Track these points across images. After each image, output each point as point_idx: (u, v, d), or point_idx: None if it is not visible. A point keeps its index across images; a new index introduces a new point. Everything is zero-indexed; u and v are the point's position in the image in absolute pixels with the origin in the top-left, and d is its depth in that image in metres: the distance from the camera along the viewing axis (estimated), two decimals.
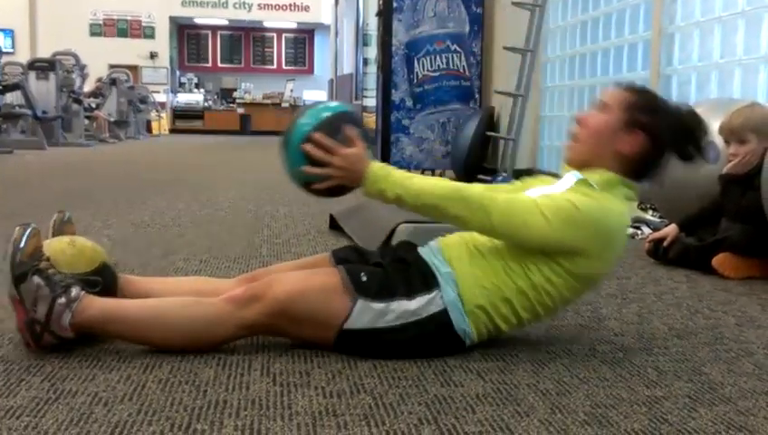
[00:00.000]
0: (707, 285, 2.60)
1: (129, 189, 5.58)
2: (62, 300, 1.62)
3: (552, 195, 1.73)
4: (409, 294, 1.67)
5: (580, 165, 1.80)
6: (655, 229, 3.54)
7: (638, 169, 1.78)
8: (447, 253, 1.75)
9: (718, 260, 2.75)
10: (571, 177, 1.77)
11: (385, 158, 6.74)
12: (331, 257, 1.86)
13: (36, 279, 1.62)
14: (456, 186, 1.71)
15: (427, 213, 1.71)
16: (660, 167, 1.82)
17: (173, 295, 1.81)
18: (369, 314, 1.66)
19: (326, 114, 1.74)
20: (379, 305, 1.66)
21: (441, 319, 1.67)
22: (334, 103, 1.84)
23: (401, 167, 6.58)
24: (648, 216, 3.89)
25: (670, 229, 3.03)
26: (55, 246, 1.77)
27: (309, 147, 1.68)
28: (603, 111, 1.79)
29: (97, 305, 1.66)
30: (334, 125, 1.71)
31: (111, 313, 1.67)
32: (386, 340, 1.66)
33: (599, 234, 1.69)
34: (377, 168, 1.69)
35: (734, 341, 1.91)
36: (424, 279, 1.70)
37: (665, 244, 2.98)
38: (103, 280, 1.75)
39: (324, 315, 1.67)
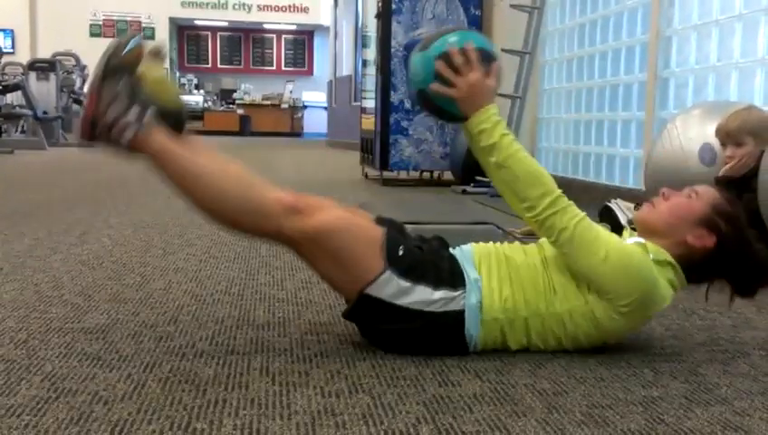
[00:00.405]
0: (702, 287, 2.61)
1: (129, 189, 5.59)
2: (136, 114, 1.64)
3: (619, 238, 1.74)
4: (435, 285, 1.68)
5: (644, 230, 1.81)
6: None
7: (692, 267, 1.77)
8: (478, 259, 1.75)
9: None
10: (634, 238, 1.79)
11: (384, 159, 6.78)
12: (375, 219, 1.84)
13: (123, 83, 1.65)
14: (545, 173, 1.70)
15: (503, 177, 1.70)
16: (709, 279, 1.83)
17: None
18: (392, 287, 1.67)
19: (487, 45, 1.75)
20: (404, 283, 1.67)
21: (455, 319, 1.68)
22: (490, 43, 1.82)
23: (400, 168, 6.59)
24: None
25: None
26: (151, 69, 1.76)
27: (456, 51, 1.68)
28: (690, 199, 1.80)
29: (163, 137, 1.68)
30: (488, 56, 1.72)
31: (172, 151, 1.68)
32: (396, 320, 1.67)
33: (642, 293, 1.67)
34: (494, 111, 1.71)
35: (730, 342, 1.92)
36: (452, 277, 1.70)
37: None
38: (173, 122, 1.75)
39: (356, 264, 1.68)
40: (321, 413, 1.36)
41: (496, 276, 1.72)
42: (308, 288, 2.40)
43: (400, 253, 1.70)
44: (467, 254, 1.79)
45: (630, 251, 1.69)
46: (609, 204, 4.15)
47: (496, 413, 1.39)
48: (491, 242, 1.85)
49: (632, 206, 4.06)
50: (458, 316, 1.68)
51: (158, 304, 2.16)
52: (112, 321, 1.96)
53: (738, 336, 1.98)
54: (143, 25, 22.69)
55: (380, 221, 1.83)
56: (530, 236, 3.60)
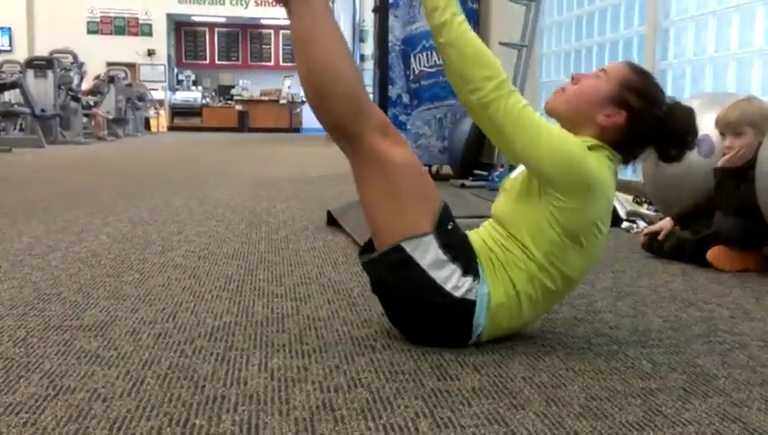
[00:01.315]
0: (702, 278, 2.61)
1: (127, 187, 5.58)
2: None
3: (563, 132, 1.71)
4: (465, 271, 1.69)
5: (555, 117, 1.81)
6: (650, 223, 3.56)
7: (614, 145, 1.76)
8: (477, 247, 1.76)
9: (713, 253, 2.76)
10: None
11: None
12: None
13: None
14: (494, 57, 1.68)
15: (452, 58, 1.67)
16: (634, 153, 1.81)
17: None
18: (430, 252, 1.67)
19: None
20: (442, 256, 1.68)
21: (468, 308, 1.69)
22: None
23: None
24: (643, 209, 3.91)
25: (665, 223, 3.05)
26: None
27: None
28: (600, 78, 1.80)
29: None
30: None
31: (317, 3, 1.73)
32: (417, 286, 1.67)
33: (587, 177, 1.67)
34: None
35: (728, 333, 1.93)
36: (475, 267, 1.71)
37: (660, 237, 2.99)
38: None
39: (407, 206, 1.69)
40: (319, 408, 1.37)
41: (489, 262, 1.73)
42: (306, 284, 2.40)
43: (449, 227, 1.71)
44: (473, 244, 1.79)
45: (567, 135, 1.69)
46: None
47: (495, 407, 1.39)
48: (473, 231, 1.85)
49: (630, 198, 4.07)
50: (472, 305, 1.69)
51: (156, 300, 2.16)
52: (111, 318, 1.96)
53: (736, 327, 1.98)
54: (140, 22, 22.67)
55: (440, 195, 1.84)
56: None
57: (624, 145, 1.78)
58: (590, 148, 1.72)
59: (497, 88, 1.65)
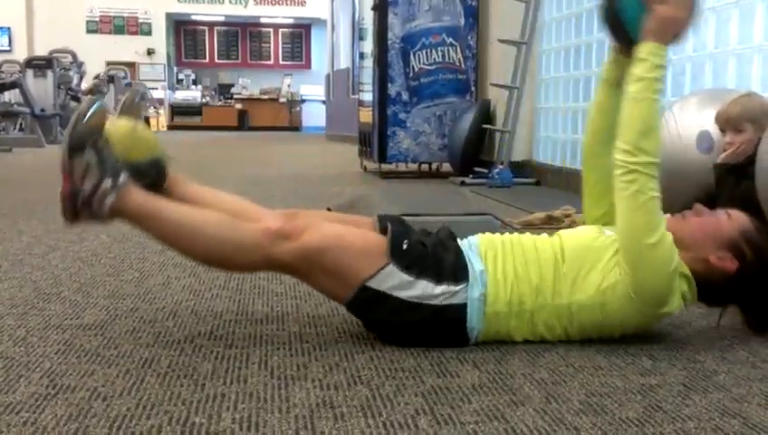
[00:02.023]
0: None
1: None
2: (109, 182, 1.66)
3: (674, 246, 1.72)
4: (438, 280, 1.68)
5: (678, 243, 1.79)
6: None
7: (707, 286, 1.76)
8: (485, 251, 1.75)
9: None
10: None
11: (382, 152, 6.77)
12: (376, 221, 1.86)
13: (90, 154, 1.66)
14: (659, 144, 1.69)
15: (627, 109, 1.68)
16: (722, 303, 1.83)
17: (214, 208, 1.82)
18: (394, 280, 1.67)
19: None
20: (406, 277, 1.67)
21: (457, 313, 1.68)
22: None
23: (398, 161, 6.59)
24: None
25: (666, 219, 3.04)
26: (117, 129, 1.79)
27: None
28: (721, 219, 1.80)
29: (139, 197, 1.69)
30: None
31: (150, 209, 1.70)
32: (397, 312, 1.67)
33: (663, 287, 1.67)
34: (665, 52, 1.69)
35: (728, 329, 1.92)
36: (455, 270, 1.70)
37: None
38: (154, 173, 1.79)
39: (349, 272, 1.68)
40: (319, 406, 1.37)
41: (501, 268, 1.71)
42: None
43: (405, 247, 1.71)
44: (474, 245, 1.78)
45: (674, 251, 1.68)
46: None
47: (495, 403, 1.39)
48: (498, 233, 1.84)
49: None
50: (460, 310, 1.68)
51: (156, 299, 2.16)
52: (111, 317, 1.96)
53: (737, 323, 1.98)
54: (140, 21, 22.66)
55: (383, 219, 1.84)
56: (528, 227, 3.60)
57: (717, 291, 1.78)
58: (683, 279, 1.72)
59: (647, 166, 1.65)
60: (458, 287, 1.68)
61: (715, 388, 1.50)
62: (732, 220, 1.79)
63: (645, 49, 1.68)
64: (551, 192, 5.50)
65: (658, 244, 1.64)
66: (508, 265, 1.72)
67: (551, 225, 3.70)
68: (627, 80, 1.71)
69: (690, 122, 3.27)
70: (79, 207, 1.68)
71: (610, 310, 1.69)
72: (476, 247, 1.77)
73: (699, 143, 3.19)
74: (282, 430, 1.26)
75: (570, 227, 3.66)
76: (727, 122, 2.89)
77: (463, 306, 1.68)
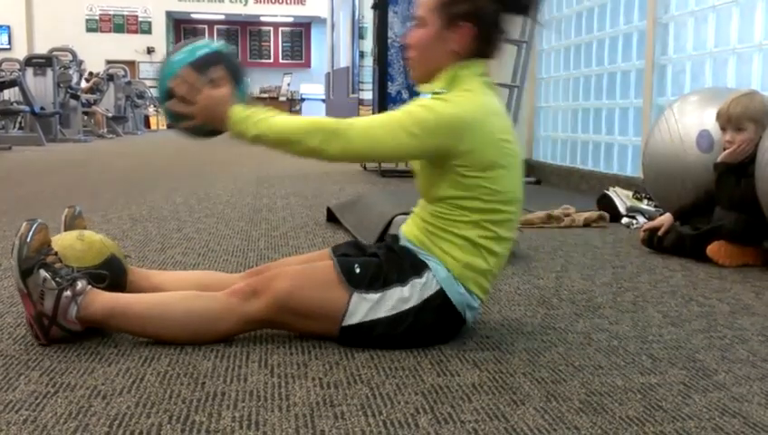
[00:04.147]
0: (702, 273, 2.61)
1: (127, 184, 5.58)
2: (68, 293, 1.65)
3: (407, 108, 1.70)
4: (403, 281, 1.69)
5: (428, 79, 1.78)
6: (650, 218, 3.56)
7: (479, 52, 1.74)
8: (409, 234, 1.78)
9: (713, 248, 2.76)
10: (425, 96, 1.76)
11: None
12: (330, 253, 1.87)
13: (43, 273, 1.65)
14: (313, 119, 1.69)
15: (288, 149, 1.69)
16: (501, 31, 1.77)
17: (180, 289, 1.83)
18: (365, 305, 1.67)
19: (199, 52, 1.75)
20: (374, 296, 1.68)
21: (438, 300, 1.69)
22: (205, 42, 1.82)
23: None
24: (643, 205, 3.90)
25: (665, 218, 3.04)
26: (64, 241, 1.82)
27: (175, 83, 1.69)
28: (422, 26, 1.76)
29: (101, 300, 1.68)
30: (204, 64, 1.71)
31: (115, 307, 1.68)
32: (385, 331, 1.68)
33: (459, 127, 1.65)
34: (238, 110, 1.68)
35: (729, 328, 1.93)
36: (413, 265, 1.71)
37: (660, 233, 2.99)
38: (111, 273, 1.78)
39: (324, 309, 1.69)
40: (319, 404, 1.37)
41: (429, 238, 1.73)
42: None
43: (357, 271, 1.71)
44: (403, 237, 1.81)
45: (416, 114, 1.66)
46: (607, 192, 4.15)
47: (495, 402, 1.39)
48: (406, 216, 1.86)
49: (630, 193, 4.06)
50: (440, 296, 1.69)
51: None
52: None
53: (737, 322, 1.98)
54: (140, 20, 22.66)
55: (335, 250, 1.87)
56: (527, 226, 3.60)
57: (489, 38, 1.74)
58: (450, 83, 1.70)
59: (334, 138, 1.64)
60: (423, 278, 1.69)
61: (715, 387, 1.50)
62: (423, 17, 1.74)
63: (232, 131, 1.69)
64: (551, 191, 5.50)
65: (372, 125, 1.67)
66: (429, 229, 1.73)
67: (550, 224, 3.70)
68: (263, 144, 1.70)
69: (690, 121, 3.27)
70: (47, 326, 1.66)
71: (483, 165, 1.68)
72: (405, 237, 1.79)
73: (699, 142, 3.19)
74: (282, 429, 1.26)
75: (570, 225, 3.67)
76: (728, 121, 2.89)
77: (439, 292, 1.69)
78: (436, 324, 1.71)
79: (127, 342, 1.72)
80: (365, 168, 7.49)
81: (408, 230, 1.81)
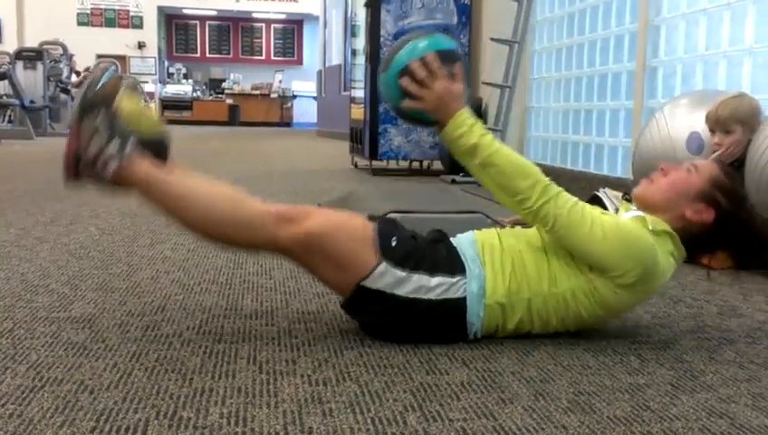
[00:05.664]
0: (690, 275, 2.62)
1: None
2: (116, 147, 1.66)
3: (614, 215, 1.75)
4: (432, 272, 1.68)
5: (643, 206, 1.82)
6: None
7: (691, 240, 1.78)
8: (481, 245, 1.75)
9: None
10: (632, 212, 1.80)
11: (373, 149, 6.77)
12: (366, 219, 1.85)
13: (101, 117, 1.66)
14: (531, 164, 1.71)
15: (491, 176, 1.69)
16: (704, 251, 1.85)
17: None
18: (388, 278, 1.66)
19: (446, 45, 1.76)
20: (400, 274, 1.67)
21: (455, 306, 1.68)
22: (447, 37, 1.84)
23: (389, 158, 6.60)
24: (633, 206, 3.91)
25: None
26: (128, 99, 1.79)
27: (417, 64, 1.69)
28: (690, 173, 1.80)
29: (146, 165, 1.69)
30: (448, 57, 1.72)
31: (157, 177, 1.70)
32: (394, 311, 1.67)
33: (643, 266, 1.67)
34: (467, 114, 1.71)
35: (716, 329, 1.93)
36: (449, 263, 1.70)
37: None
38: (156, 151, 1.77)
39: (349, 262, 1.68)
40: (308, 401, 1.36)
41: (499, 261, 1.72)
42: (296, 277, 2.40)
43: (393, 243, 1.70)
44: (469, 241, 1.78)
45: (627, 226, 1.70)
46: (597, 193, 4.16)
47: (483, 401, 1.39)
48: (493, 229, 1.85)
49: (620, 195, 4.07)
50: (458, 304, 1.68)
51: (145, 293, 2.15)
52: (99, 310, 1.95)
53: (724, 324, 1.99)
54: (131, 14, 22.58)
55: (372, 219, 1.84)
56: (518, 226, 3.60)
57: (701, 242, 1.80)
58: (657, 232, 1.73)
59: (543, 194, 1.66)
60: (454, 280, 1.68)
61: (703, 388, 1.50)
62: (699, 171, 1.80)
63: (450, 129, 1.71)
64: None
65: (606, 235, 1.66)
66: (505, 257, 1.72)
67: None
68: (464, 157, 1.73)
69: (680, 123, 3.28)
70: (81, 166, 1.68)
71: (604, 294, 1.70)
72: (472, 242, 1.77)
73: (689, 144, 3.20)
74: (270, 425, 1.25)
75: None
76: (717, 123, 2.90)
77: (461, 300, 1.68)
78: (441, 328, 1.70)
79: (114, 336, 1.71)
80: (356, 165, 7.49)
81: (480, 237, 1.79)
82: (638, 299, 1.78)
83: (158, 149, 1.78)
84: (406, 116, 1.80)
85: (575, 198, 1.71)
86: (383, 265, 1.67)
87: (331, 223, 1.71)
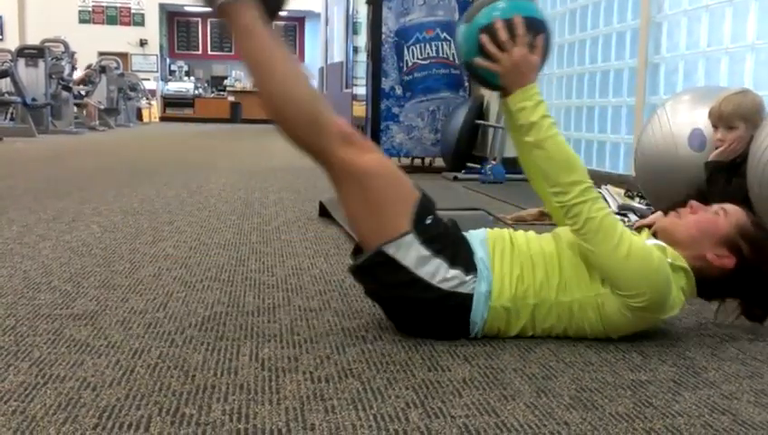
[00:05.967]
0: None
1: (118, 177, 5.57)
2: None
3: (641, 238, 1.74)
4: (452, 263, 1.67)
5: (667, 239, 1.80)
6: (641, 216, 3.56)
7: (706, 282, 1.77)
8: (492, 245, 1.75)
9: None
10: (654, 241, 1.79)
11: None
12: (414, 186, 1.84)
13: None
14: (580, 162, 1.69)
15: (538, 158, 1.69)
16: (721, 297, 1.84)
17: None
18: (411, 251, 1.65)
19: (537, 14, 1.73)
20: (424, 252, 1.66)
21: (462, 302, 1.68)
22: (540, 10, 1.80)
23: (391, 155, 6.60)
24: (635, 203, 3.91)
25: (657, 216, 3.04)
26: None
27: (500, 23, 1.68)
28: (717, 216, 1.80)
29: (253, 14, 1.68)
30: (535, 25, 1.70)
31: (259, 31, 1.68)
32: (405, 286, 1.66)
33: (656, 294, 1.66)
34: (536, 90, 1.69)
35: (719, 326, 1.93)
36: (466, 261, 1.70)
37: (651, 231, 2.99)
38: (273, 6, 1.75)
39: (384, 212, 1.67)
40: (310, 398, 1.36)
41: (509, 264, 1.71)
42: (298, 274, 2.40)
43: (428, 221, 1.69)
44: (480, 239, 1.77)
45: (651, 251, 1.68)
46: (599, 190, 4.16)
47: (485, 397, 1.39)
48: (506, 229, 1.84)
49: (622, 192, 4.07)
50: (466, 300, 1.68)
51: (147, 290, 2.15)
52: (101, 307, 1.95)
53: (727, 320, 1.99)
54: (133, 12, 22.58)
55: (418, 187, 1.83)
56: (520, 223, 3.60)
57: (716, 287, 1.79)
58: (674, 266, 1.71)
59: (582, 193, 1.65)
60: (467, 277, 1.68)
61: (705, 384, 1.50)
62: (728, 216, 1.79)
63: (515, 99, 1.70)
64: None
65: (630, 254, 1.64)
66: (515, 259, 1.72)
67: (543, 221, 3.71)
68: (518, 131, 1.72)
69: (682, 120, 3.28)
70: None
71: (610, 312, 1.69)
72: (484, 241, 1.76)
73: (691, 141, 3.20)
74: (272, 422, 1.26)
75: None
76: (720, 119, 2.89)
77: (468, 297, 1.68)
78: (444, 321, 1.70)
79: (117, 333, 1.71)
80: None
81: (492, 236, 1.78)
82: (642, 325, 1.75)
83: (273, 6, 1.75)
84: (474, 73, 1.77)
85: (609, 209, 1.70)
86: (410, 236, 1.65)
87: (388, 169, 1.70)
